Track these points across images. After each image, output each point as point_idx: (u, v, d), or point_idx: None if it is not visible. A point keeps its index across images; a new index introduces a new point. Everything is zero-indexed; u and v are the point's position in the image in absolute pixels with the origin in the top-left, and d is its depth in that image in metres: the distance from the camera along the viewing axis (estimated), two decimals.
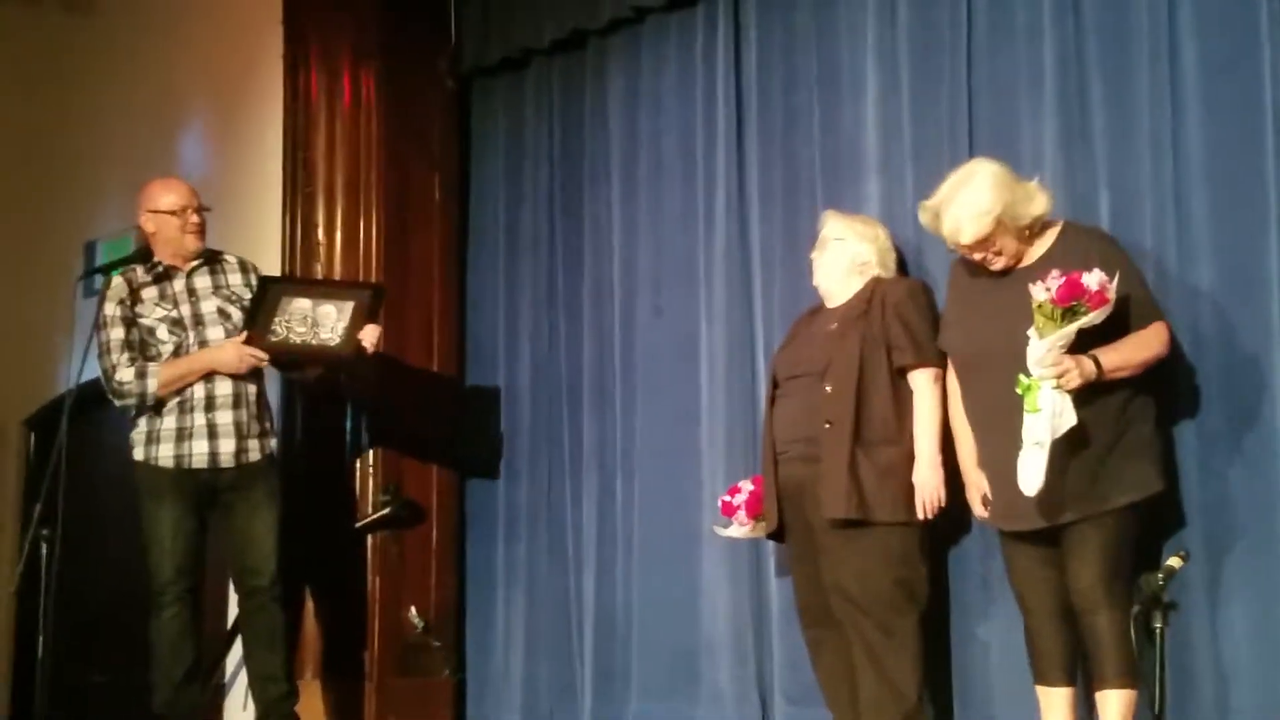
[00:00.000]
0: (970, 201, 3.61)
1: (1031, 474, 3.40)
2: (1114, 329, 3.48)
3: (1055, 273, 3.42)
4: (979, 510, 3.76)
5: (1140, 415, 3.54)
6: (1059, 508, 3.48)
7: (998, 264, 3.67)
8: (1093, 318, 3.39)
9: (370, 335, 4.54)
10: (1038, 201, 3.64)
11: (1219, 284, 3.70)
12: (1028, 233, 3.65)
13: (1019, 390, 3.42)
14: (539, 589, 5.21)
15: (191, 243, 4.60)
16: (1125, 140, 3.91)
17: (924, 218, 3.74)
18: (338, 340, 4.53)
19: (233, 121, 5.79)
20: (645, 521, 4.91)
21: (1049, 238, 3.67)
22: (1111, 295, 3.40)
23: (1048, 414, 3.37)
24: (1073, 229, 3.69)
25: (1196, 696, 3.61)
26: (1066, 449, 3.43)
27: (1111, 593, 3.43)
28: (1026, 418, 3.41)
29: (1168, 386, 3.66)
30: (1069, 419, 3.39)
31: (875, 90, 4.48)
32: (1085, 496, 3.47)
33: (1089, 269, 3.42)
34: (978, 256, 3.67)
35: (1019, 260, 3.67)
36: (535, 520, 5.27)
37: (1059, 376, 3.37)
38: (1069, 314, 3.37)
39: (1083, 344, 3.44)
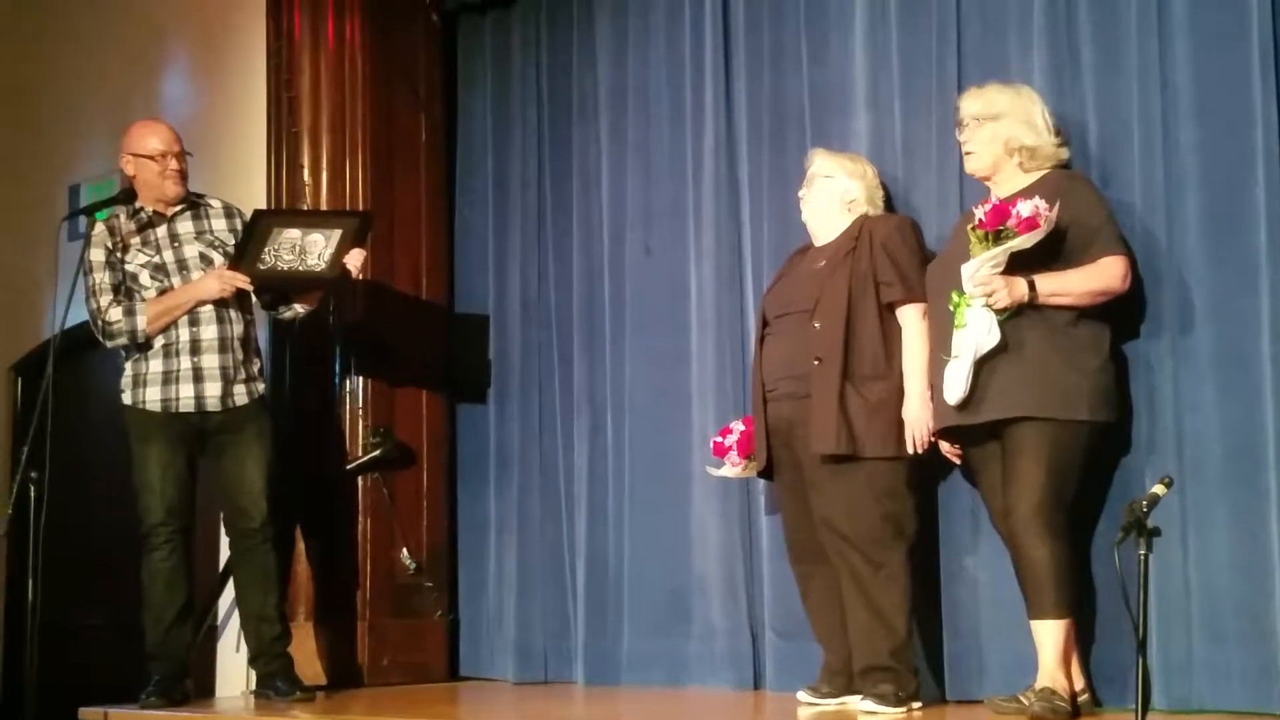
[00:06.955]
0: (1005, 85, 3.82)
1: (954, 384, 3.59)
2: (1071, 260, 3.60)
3: (993, 196, 3.57)
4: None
5: (1090, 344, 3.60)
6: (988, 405, 3.59)
7: (968, 158, 3.81)
8: (1021, 241, 3.51)
9: (355, 259, 4.55)
10: (1046, 143, 3.75)
11: (1206, 214, 3.69)
12: (1019, 161, 3.76)
13: (950, 306, 3.59)
14: (531, 529, 5.22)
15: (171, 188, 4.55)
16: (1114, 72, 3.89)
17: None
18: (323, 266, 4.54)
19: (216, 62, 5.71)
20: (636, 460, 4.91)
21: (1033, 177, 3.76)
22: (1044, 221, 3.49)
23: (973, 331, 3.55)
24: (1057, 173, 3.77)
25: (1179, 622, 3.63)
26: (1003, 358, 3.55)
27: (1051, 525, 3.52)
28: (955, 333, 3.59)
29: (1151, 316, 3.70)
30: (993, 337, 3.55)
31: (863, 23, 4.45)
32: (1012, 398, 3.55)
33: (1046, 199, 3.52)
34: (962, 138, 3.82)
35: (988, 176, 3.80)
36: (527, 460, 5.27)
37: (988, 295, 3.52)
38: (997, 237, 3.51)
39: (1032, 268, 3.55)
